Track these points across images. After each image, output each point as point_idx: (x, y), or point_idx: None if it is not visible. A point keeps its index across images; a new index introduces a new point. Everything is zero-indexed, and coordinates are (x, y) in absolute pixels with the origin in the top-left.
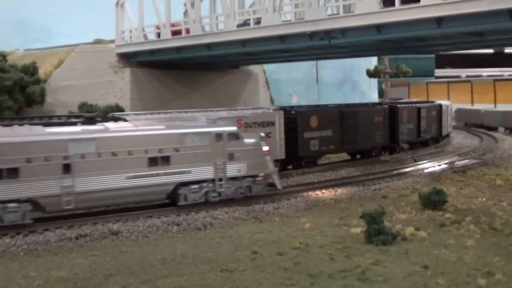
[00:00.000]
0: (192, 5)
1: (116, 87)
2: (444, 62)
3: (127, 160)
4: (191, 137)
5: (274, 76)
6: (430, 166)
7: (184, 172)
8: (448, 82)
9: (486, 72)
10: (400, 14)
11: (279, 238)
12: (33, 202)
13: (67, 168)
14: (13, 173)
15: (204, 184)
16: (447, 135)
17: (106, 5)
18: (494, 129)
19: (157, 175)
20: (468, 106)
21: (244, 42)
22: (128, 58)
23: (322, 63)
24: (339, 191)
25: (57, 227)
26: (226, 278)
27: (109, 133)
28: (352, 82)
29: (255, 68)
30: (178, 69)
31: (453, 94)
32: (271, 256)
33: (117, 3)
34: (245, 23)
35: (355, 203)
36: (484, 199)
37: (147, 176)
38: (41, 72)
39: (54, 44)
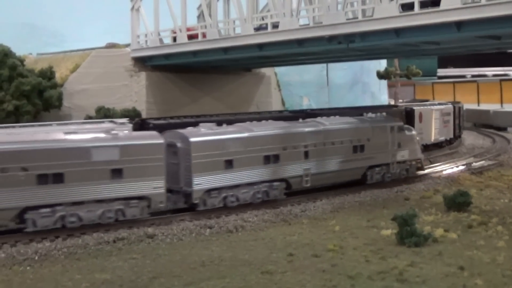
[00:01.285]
0: (209, 9)
1: (131, 91)
2: (447, 61)
3: (341, 148)
4: (377, 130)
5: (285, 78)
6: (448, 167)
7: (372, 158)
8: (454, 82)
9: (489, 71)
10: (420, 18)
11: (312, 240)
12: (286, 181)
13: (306, 155)
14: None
15: (384, 167)
16: (459, 136)
17: (118, 10)
18: (503, 129)
19: (357, 160)
20: (474, 106)
21: (261, 46)
22: (143, 62)
23: (333, 65)
24: (362, 192)
25: (94, 231)
26: (268, 280)
27: (330, 126)
28: (362, 83)
29: (267, 71)
30: (192, 73)
31: (459, 94)
32: (308, 258)
33: (132, 8)
34: (260, 27)
35: (379, 205)
36: (506, 200)
37: (351, 160)
38: (57, 77)
39: (66, 48)
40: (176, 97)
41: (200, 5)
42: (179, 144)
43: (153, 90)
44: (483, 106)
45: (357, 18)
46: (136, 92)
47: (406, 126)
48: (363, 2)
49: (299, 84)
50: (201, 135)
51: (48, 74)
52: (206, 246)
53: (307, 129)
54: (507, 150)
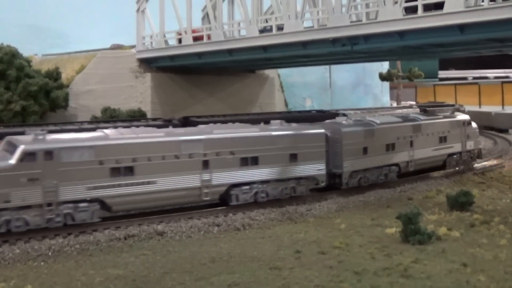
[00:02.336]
0: (214, 11)
1: (137, 92)
2: (447, 63)
3: (430, 138)
4: (454, 123)
5: (288, 79)
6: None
7: (451, 147)
8: (455, 84)
9: (490, 73)
10: (423, 21)
11: (318, 238)
12: (398, 165)
13: (411, 144)
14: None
15: (458, 155)
16: None
17: (122, 11)
18: (505, 131)
19: (442, 148)
20: (475, 108)
21: (265, 47)
22: (148, 63)
23: (335, 67)
24: (366, 192)
25: (105, 228)
26: (277, 275)
27: (425, 120)
28: (364, 85)
29: (270, 72)
30: (196, 74)
31: (460, 96)
32: (314, 255)
33: (138, 9)
34: (265, 29)
35: (383, 204)
36: (508, 200)
37: (439, 149)
38: (63, 77)
39: (71, 50)
40: (181, 98)
41: (204, 7)
42: (329, 134)
43: (158, 91)
44: (485, 108)
45: (361, 20)
46: (141, 93)
47: (472, 121)
48: (367, 5)
49: (302, 86)
50: (349, 126)
51: (54, 75)
52: (215, 243)
53: (410, 123)
54: (508, 152)
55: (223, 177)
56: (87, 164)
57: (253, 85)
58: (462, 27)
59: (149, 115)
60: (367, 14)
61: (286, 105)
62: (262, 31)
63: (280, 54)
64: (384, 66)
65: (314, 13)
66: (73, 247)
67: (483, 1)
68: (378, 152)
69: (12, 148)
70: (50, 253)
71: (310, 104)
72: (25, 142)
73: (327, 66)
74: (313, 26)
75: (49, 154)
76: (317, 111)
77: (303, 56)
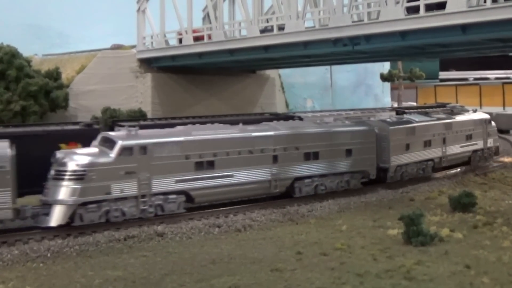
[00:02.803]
0: (215, 11)
1: (137, 92)
2: (448, 64)
3: (459, 136)
4: (477, 122)
5: (288, 80)
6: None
7: (475, 144)
8: (456, 85)
9: (491, 74)
10: (425, 21)
11: (319, 239)
12: (432, 160)
13: (444, 141)
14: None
15: (480, 152)
16: None
17: (123, 11)
18: (506, 132)
19: (468, 145)
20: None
21: (267, 47)
22: (149, 64)
23: (336, 67)
24: (368, 194)
25: (105, 229)
26: (278, 277)
27: (456, 119)
28: (365, 86)
29: (271, 73)
30: (197, 74)
31: (461, 97)
32: (316, 256)
33: (138, 9)
34: (266, 29)
35: (385, 205)
36: (510, 201)
37: (465, 146)
38: (63, 77)
39: (71, 49)
40: (182, 98)
41: (205, 7)
42: (377, 130)
43: (158, 91)
44: (486, 109)
45: (362, 20)
46: (141, 93)
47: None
48: (369, 5)
49: (303, 86)
50: (395, 124)
51: (54, 75)
52: (215, 244)
53: (443, 121)
54: (510, 152)
55: (289, 171)
56: (175, 158)
57: (254, 86)
58: (464, 27)
59: (149, 115)
60: (369, 14)
61: (287, 105)
62: (263, 31)
63: (281, 54)
64: (385, 67)
65: (316, 13)
66: (72, 248)
67: (485, 1)
68: (418, 148)
69: (110, 143)
70: (49, 255)
71: (311, 105)
72: (122, 137)
73: (328, 67)
74: (314, 26)
75: (143, 149)
76: (271, 113)
77: (304, 56)
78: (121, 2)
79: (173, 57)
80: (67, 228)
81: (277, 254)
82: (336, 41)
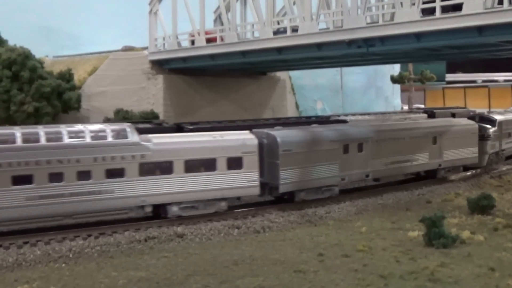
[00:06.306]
0: (228, 13)
1: (149, 94)
2: (455, 66)
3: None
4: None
5: (298, 82)
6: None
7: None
8: (464, 88)
9: (498, 76)
10: (441, 22)
11: (340, 240)
12: None
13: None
14: None
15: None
16: None
17: (133, 13)
18: None
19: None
20: (485, 111)
21: (280, 49)
22: (161, 65)
23: (346, 69)
24: (384, 195)
25: (125, 230)
26: (302, 278)
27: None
28: (376, 88)
29: (281, 75)
30: (208, 76)
31: (469, 100)
32: (338, 258)
33: (150, 11)
34: (278, 31)
35: (402, 207)
36: None
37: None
38: (75, 79)
39: (82, 51)
40: (193, 99)
41: (217, 9)
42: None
43: (170, 92)
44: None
45: (377, 22)
46: (153, 95)
47: None
48: (383, 7)
49: (313, 88)
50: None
51: (66, 77)
52: (235, 245)
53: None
54: None
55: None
56: None
57: (265, 88)
58: (480, 29)
59: (161, 117)
60: (383, 15)
61: (297, 107)
62: (275, 32)
63: (295, 56)
64: (395, 69)
65: (330, 15)
66: (94, 249)
67: (500, 3)
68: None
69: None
70: (71, 255)
71: (321, 107)
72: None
73: (338, 69)
74: (328, 28)
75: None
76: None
77: (318, 58)
78: (131, 4)
79: (185, 59)
80: (87, 228)
81: (299, 255)
82: (350, 42)
